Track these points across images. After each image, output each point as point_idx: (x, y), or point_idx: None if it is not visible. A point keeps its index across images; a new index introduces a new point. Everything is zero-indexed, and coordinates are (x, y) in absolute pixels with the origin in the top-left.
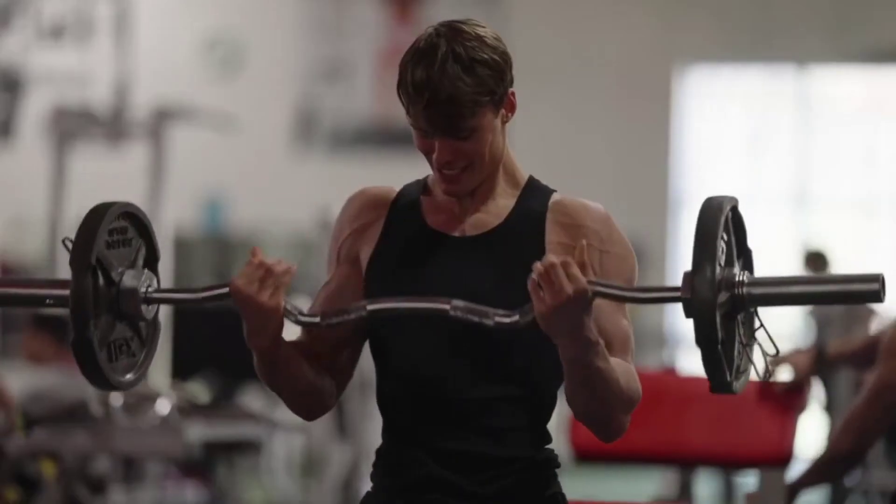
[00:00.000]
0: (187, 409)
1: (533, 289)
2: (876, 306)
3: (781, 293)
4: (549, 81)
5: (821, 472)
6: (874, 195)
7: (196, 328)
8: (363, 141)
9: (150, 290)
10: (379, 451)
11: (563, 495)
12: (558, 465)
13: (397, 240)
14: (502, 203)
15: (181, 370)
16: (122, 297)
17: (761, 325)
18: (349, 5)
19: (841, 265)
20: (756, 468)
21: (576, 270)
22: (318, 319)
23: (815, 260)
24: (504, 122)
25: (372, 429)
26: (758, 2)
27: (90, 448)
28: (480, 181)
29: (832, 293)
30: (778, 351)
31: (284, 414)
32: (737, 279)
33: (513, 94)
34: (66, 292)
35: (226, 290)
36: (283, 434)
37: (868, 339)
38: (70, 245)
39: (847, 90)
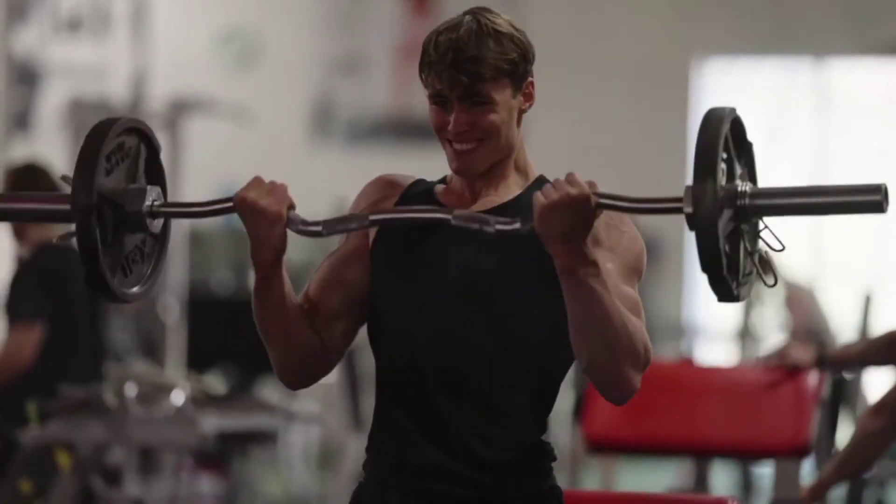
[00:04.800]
0: (202, 400)
1: (536, 194)
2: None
3: (783, 204)
4: (566, 74)
5: (848, 462)
6: (892, 187)
7: (212, 321)
8: (380, 134)
9: (155, 203)
10: (372, 436)
11: (559, 489)
12: (555, 458)
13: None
14: (513, 189)
15: (197, 363)
16: (128, 216)
17: (765, 226)
18: None
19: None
20: (773, 459)
21: (580, 178)
22: (320, 228)
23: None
24: (521, 112)
25: None
26: None
27: (105, 439)
28: (492, 162)
29: (835, 204)
30: (784, 247)
31: (301, 405)
32: (739, 190)
33: (532, 84)
34: (68, 207)
35: (230, 203)
36: (299, 425)
37: (869, 343)
38: (69, 181)
39: (865, 83)
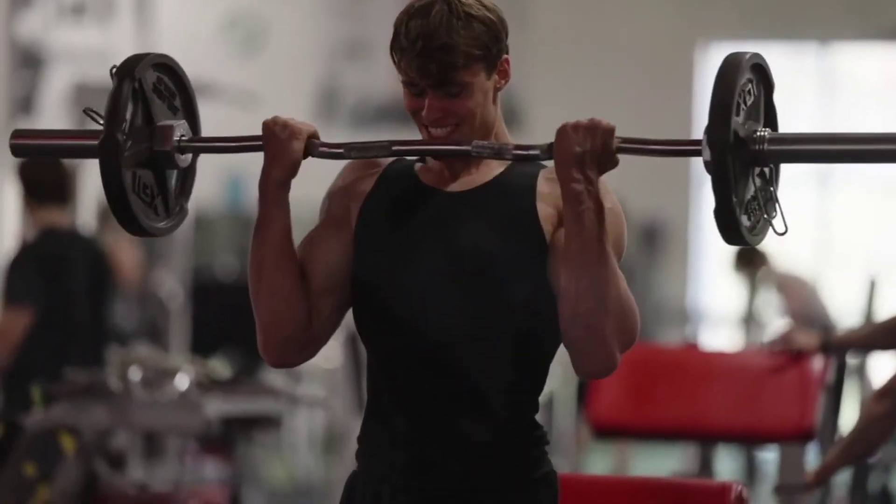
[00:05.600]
0: (206, 385)
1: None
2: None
3: (800, 150)
4: (571, 59)
5: (852, 446)
6: None
7: (216, 305)
8: (385, 118)
9: (183, 138)
10: (364, 427)
11: (554, 473)
12: (547, 443)
13: (389, 192)
14: (494, 166)
15: (201, 347)
16: (157, 137)
17: (775, 194)
18: None
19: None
20: (777, 444)
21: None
22: (341, 150)
23: (752, 259)
24: (497, 89)
25: None
26: None
27: (109, 423)
28: None
29: (851, 152)
30: (787, 229)
31: (306, 389)
32: (757, 134)
33: (507, 61)
34: (95, 142)
35: (259, 141)
36: (304, 410)
37: (874, 328)
38: (93, 114)
39: (870, 68)
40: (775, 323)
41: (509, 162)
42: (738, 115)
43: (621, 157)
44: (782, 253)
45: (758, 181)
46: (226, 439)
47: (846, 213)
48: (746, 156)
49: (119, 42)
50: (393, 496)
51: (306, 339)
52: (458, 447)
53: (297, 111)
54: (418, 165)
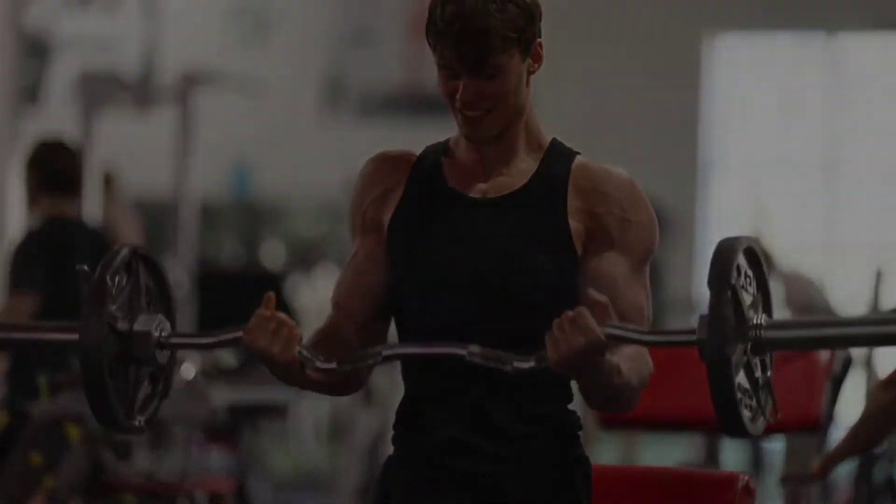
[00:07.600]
0: (213, 374)
1: (549, 338)
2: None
3: (796, 337)
4: (579, 48)
5: (858, 435)
6: None
7: (222, 294)
8: (392, 107)
9: (162, 334)
10: (399, 413)
11: (586, 458)
12: (580, 428)
13: (418, 202)
14: (524, 166)
15: None
16: (135, 343)
17: (771, 383)
18: None
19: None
20: (783, 434)
21: (590, 321)
22: (334, 366)
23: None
24: (530, 73)
25: (398, 394)
26: None
27: None
28: (502, 127)
29: (848, 337)
30: (778, 414)
31: None
32: (753, 322)
33: (540, 44)
34: (75, 336)
35: (240, 334)
36: (309, 399)
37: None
38: (85, 275)
39: (877, 58)
40: (780, 313)
41: (541, 158)
42: (734, 303)
43: (630, 136)
44: (789, 243)
45: (753, 369)
46: (232, 428)
47: (853, 202)
48: (743, 345)
49: (125, 31)
50: (428, 476)
51: (364, 373)
52: (494, 434)
53: (304, 101)
54: (445, 162)
